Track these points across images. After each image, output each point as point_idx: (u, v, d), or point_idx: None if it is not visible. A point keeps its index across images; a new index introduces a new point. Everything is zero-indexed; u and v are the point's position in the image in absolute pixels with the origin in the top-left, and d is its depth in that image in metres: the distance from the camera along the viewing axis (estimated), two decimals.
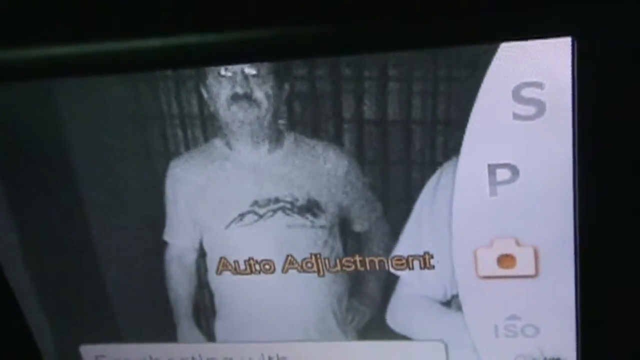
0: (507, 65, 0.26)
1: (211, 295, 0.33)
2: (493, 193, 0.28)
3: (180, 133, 0.29)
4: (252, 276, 0.32)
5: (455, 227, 0.29)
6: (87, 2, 0.28)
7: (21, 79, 0.29)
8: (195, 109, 0.29)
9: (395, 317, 0.32)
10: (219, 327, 0.34)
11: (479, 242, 0.30)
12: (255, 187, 0.30)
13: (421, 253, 0.30)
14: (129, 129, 0.29)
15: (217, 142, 0.29)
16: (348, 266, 0.31)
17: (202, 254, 0.32)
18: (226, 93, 0.28)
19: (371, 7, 0.25)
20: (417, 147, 0.28)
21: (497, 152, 0.28)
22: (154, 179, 0.31)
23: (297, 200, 0.30)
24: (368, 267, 0.31)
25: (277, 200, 0.30)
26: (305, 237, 0.31)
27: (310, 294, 0.32)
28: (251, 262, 0.32)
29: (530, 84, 0.26)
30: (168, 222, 0.32)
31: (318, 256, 0.31)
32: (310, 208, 0.30)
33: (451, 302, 0.31)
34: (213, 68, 0.27)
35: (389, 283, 0.31)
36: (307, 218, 0.30)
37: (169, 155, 0.30)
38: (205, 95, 0.28)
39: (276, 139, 0.29)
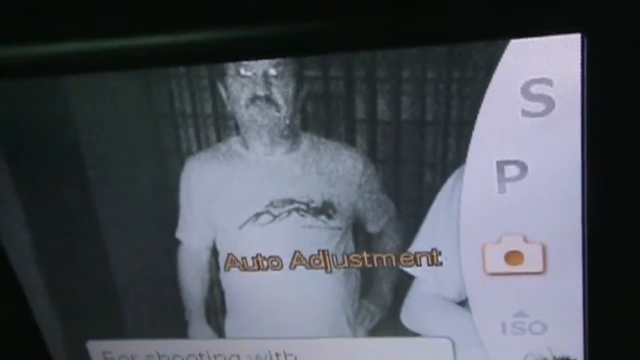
0: (516, 62, 0.26)
1: (222, 293, 0.33)
2: (502, 190, 0.28)
3: (196, 132, 0.29)
4: (260, 273, 0.32)
5: (463, 223, 0.29)
6: None
7: (33, 75, 0.29)
8: (212, 108, 0.29)
9: (411, 316, 0.32)
10: (229, 324, 0.34)
11: (487, 238, 0.30)
12: (271, 188, 0.30)
13: (429, 250, 0.30)
14: (143, 127, 0.30)
15: (234, 142, 0.29)
16: (356, 262, 0.31)
17: (214, 253, 0.32)
18: (246, 93, 0.28)
19: (382, 3, 0.25)
20: (431, 148, 0.28)
21: (505, 149, 0.28)
22: (168, 177, 0.31)
23: (312, 201, 0.30)
24: (376, 264, 0.31)
25: (292, 201, 0.30)
26: (318, 238, 0.31)
27: (320, 291, 0.32)
28: (259, 258, 0.32)
29: (539, 80, 0.26)
30: (181, 220, 0.32)
31: (326, 252, 0.31)
32: (325, 210, 0.30)
33: (465, 302, 0.31)
34: (232, 68, 0.28)
35: (403, 282, 0.31)
36: (321, 219, 0.30)
37: (184, 154, 0.30)
38: (223, 94, 0.28)
39: (293, 140, 0.29)
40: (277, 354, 0.35)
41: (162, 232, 0.32)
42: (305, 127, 0.28)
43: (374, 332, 0.33)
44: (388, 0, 0.25)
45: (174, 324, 0.35)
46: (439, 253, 0.30)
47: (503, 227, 0.29)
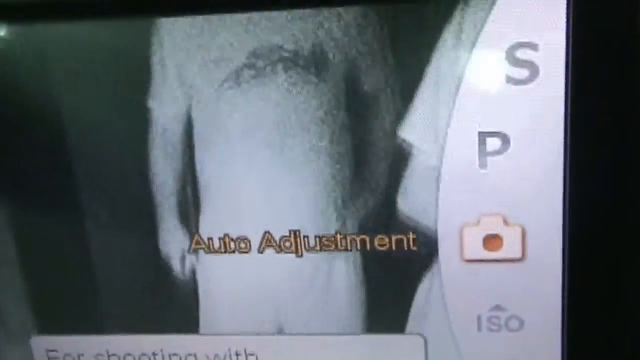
0: (502, 25, 0.26)
1: (195, 182, 0.30)
2: (483, 165, 0.28)
3: None
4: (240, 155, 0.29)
5: (442, 200, 0.28)
6: None
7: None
8: None
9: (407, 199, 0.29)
10: (204, 222, 0.31)
11: (465, 218, 0.29)
12: (254, 34, 0.27)
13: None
14: None
15: None
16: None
17: (189, 126, 0.29)
18: None
19: None
20: None
21: (488, 119, 0.27)
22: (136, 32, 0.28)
23: (301, 48, 0.27)
24: (349, 247, 0.30)
25: (278, 48, 0.27)
26: (307, 106, 0.28)
27: (310, 177, 0.29)
28: (226, 239, 0.31)
29: (524, 44, 0.26)
30: (153, 86, 0.28)
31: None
32: (315, 60, 0.27)
33: None
34: None
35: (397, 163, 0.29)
36: (311, 74, 0.27)
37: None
38: None
39: None
40: (237, 353, 0.33)
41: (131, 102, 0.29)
42: None
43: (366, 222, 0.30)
44: None
45: (141, 226, 0.31)
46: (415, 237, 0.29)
47: (483, 206, 0.28)
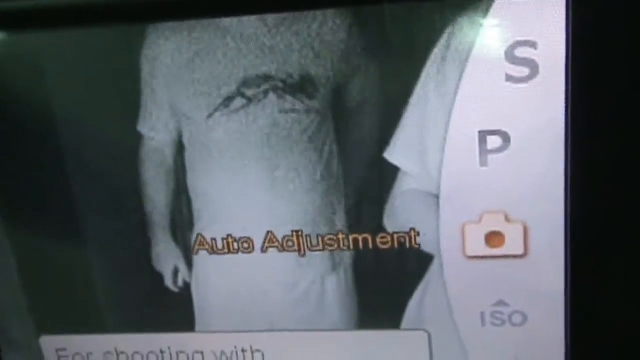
0: (502, 23, 0.26)
1: (189, 200, 0.30)
2: (483, 163, 0.28)
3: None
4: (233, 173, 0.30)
5: (444, 198, 0.29)
6: None
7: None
8: None
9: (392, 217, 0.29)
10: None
11: (467, 216, 0.29)
12: (244, 64, 0.27)
13: (407, 230, 0.29)
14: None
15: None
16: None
17: (180, 149, 0.29)
18: None
19: None
20: None
21: (488, 118, 0.27)
22: (127, 56, 0.28)
23: (290, 77, 0.27)
24: (351, 246, 0.30)
25: (268, 77, 0.27)
26: (297, 125, 0.28)
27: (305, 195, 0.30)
28: (229, 239, 0.31)
29: (524, 43, 0.26)
30: (143, 110, 0.29)
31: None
32: (305, 86, 0.27)
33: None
34: None
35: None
36: (300, 99, 0.28)
37: (144, 27, 0.27)
38: None
39: None
40: (243, 350, 0.33)
41: (122, 125, 0.29)
42: None
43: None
44: None
45: (137, 244, 0.32)
46: (417, 233, 0.29)
47: (484, 203, 0.28)
